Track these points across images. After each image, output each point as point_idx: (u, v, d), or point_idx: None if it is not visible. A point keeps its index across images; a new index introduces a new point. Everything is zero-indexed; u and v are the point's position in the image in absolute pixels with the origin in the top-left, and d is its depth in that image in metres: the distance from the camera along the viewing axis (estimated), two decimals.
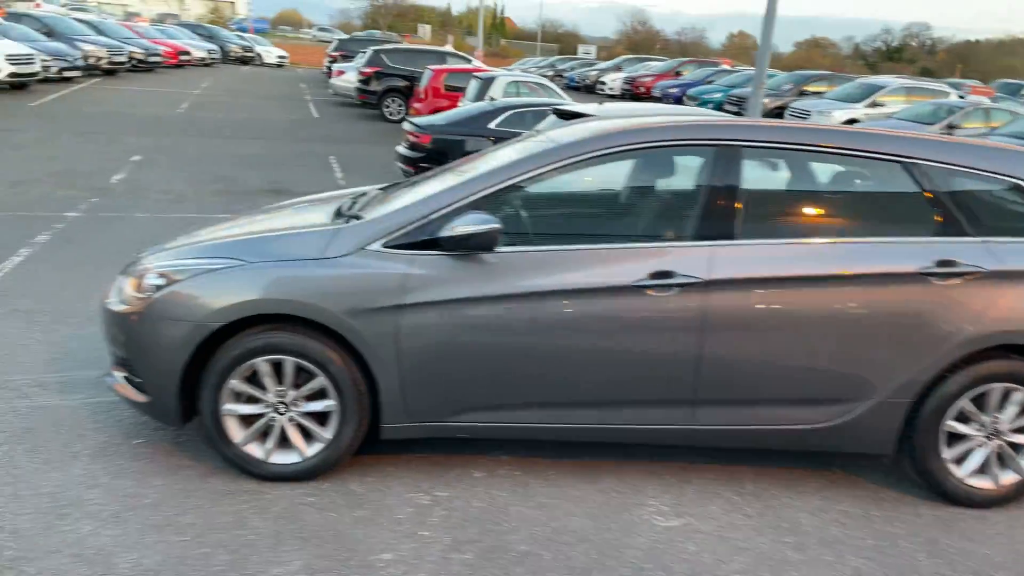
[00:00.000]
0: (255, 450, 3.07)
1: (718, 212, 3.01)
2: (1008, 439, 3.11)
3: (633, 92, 25.51)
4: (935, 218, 3.08)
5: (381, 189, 4.09)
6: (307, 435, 3.08)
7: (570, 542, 2.81)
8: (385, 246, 2.96)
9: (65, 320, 4.60)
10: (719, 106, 20.18)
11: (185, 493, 2.97)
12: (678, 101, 22.60)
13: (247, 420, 3.06)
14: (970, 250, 2.99)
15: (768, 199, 3.16)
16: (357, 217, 3.20)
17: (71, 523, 2.74)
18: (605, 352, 2.97)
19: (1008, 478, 3.14)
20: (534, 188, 3.09)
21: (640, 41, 73.08)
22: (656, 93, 23.95)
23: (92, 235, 6.61)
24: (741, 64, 32.92)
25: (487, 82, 12.89)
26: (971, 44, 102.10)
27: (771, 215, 3.12)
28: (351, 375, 2.97)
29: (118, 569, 2.51)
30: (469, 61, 17.79)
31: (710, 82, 22.82)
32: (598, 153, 3.06)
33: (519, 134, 9.43)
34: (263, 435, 3.07)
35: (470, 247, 2.86)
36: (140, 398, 3.10)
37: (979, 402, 3.07)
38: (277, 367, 2.99)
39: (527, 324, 2.93)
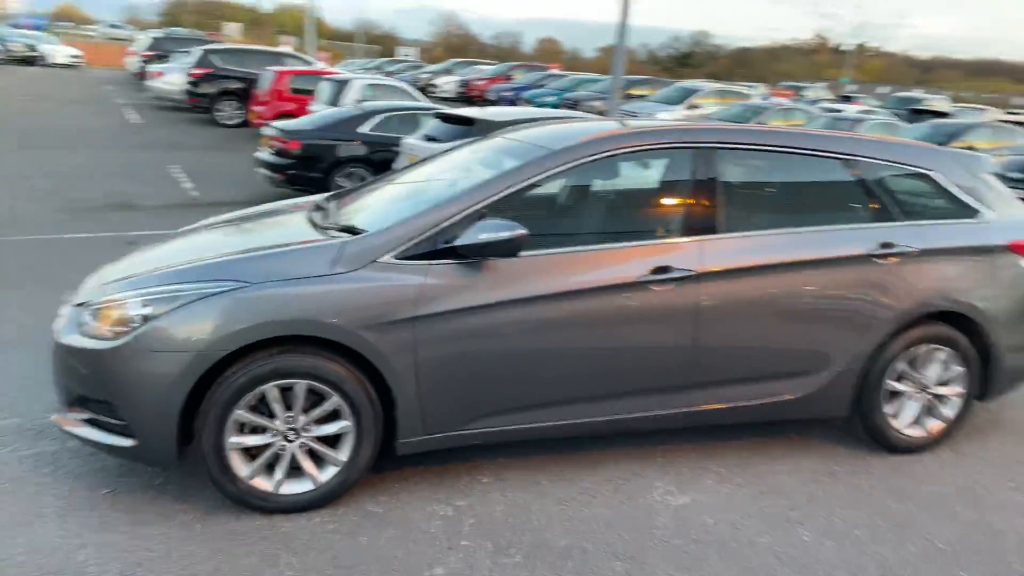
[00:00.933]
0: (263, 483, 2.88)
1: (703, 208, 3.26)
2: (934, 392, 3.65)
3: (467, 95, 25.88)
4: (872, 205, 3.54)
5: (332, 197, 3.95)
6: (318, 460, 2.95)
7: (601, 530, 2.93)
8: (397, 258, 2.90)
9: None
10: (554, 107, 21.05)
11: (192, 539, 2.73)
12: (512, 103, 23.26)
13: (251, 452, 2.87)
14: (903, 233, 3.48)
15: (741, 195, 3.46)
16: (351, 229, 3.10)
17: None
18: (615, 346, 3.12)
19: (934, 425, 3.68)
20: (537, 192, 3.17)
21: (458, 45, 74.10)
22: (491, 96, 24.47)
23: None
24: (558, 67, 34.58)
25: (342, 85, 12.56)
26: (746, 51, 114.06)
27: (745, 209, 3.41)
28: (366, 393, 2.88)
29: None
30: (311, 63, 17.16)
31: (542, 86, 23.72)
32: (594, 157, 3.19)
33: (391, 138, 9.37)
34: (269, 466, 2.89)
35: (496, 253, 2.88)
36: (123, 442, 2.79)
37: (912, 363, 3.58)
38: (284, 392, 2.83)
39: (543, 325, 3.01)
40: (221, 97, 16.52)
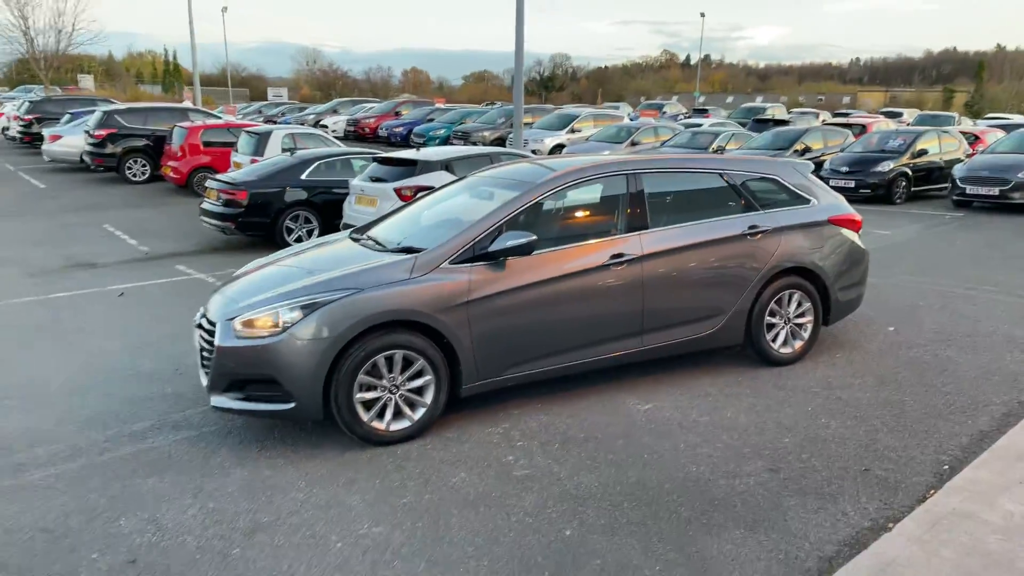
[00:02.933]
0: (378, 424, 4.24)
1: (637, 213, 4.92)
2: (796, 321, 5.47)
3: (357, 133, 27.02)
4: (741, 202, 5.33)
5: (361, 230, 5.34)
6: (410, 405, 4.33)
7: (603, 426, 4.48)
8: (450, 263, 4.36)
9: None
10: (445, 141, 22.65)
11: (346, 464, 4.05)
12: (405, 139, 24.69)
13: (367, 404, 4.22)
14: (762, 218, 5.29)
15: (659, 202, 5.13)
16: (409, 249, 4.52)
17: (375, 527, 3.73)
18: (594, 309, 4.70)
19: (798, 344, 5.50)
20: (534, 211, 4.70)
21: (327, 82, 74.62)
22: (382, 133, 25.76)
23: None
24: (424, 98, 36.41)
25: (264, 136, 13.61)
26: (603, 70, 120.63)
27: (662, 211, 5.09)
28: (440, 356, 4.31)
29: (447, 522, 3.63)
30: (218, 117, 17.90)
31: (431, 119, 25.29)
32: (565, 184, 4.80)
33: (329, 182, 10.64)
34: (380, 413, 4.25)
35: (519, 253, 4.39)
36: (285, 406, 4.09)
37: (778, 303, 5.38)
38: (388, 360, 4.21)
39: (547, 300, 4.54)
40: (128, 155, 17.02)
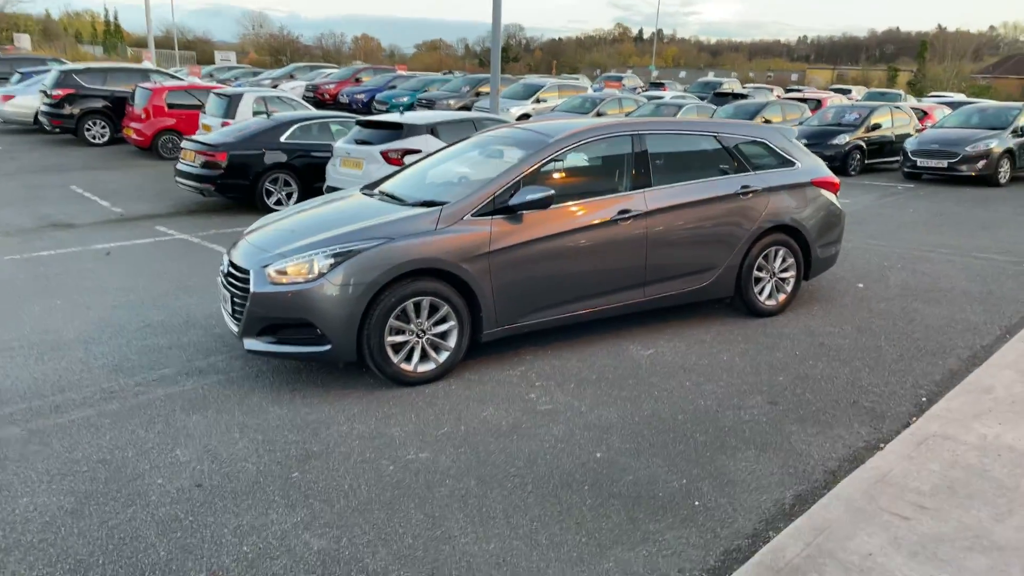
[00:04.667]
0: (406, 366, 4.50)
1: (641, 171, 5.24)
2: (780, 275, 5.90)
3: (317, 99, 26.65)
4: (734, 163, 5.70)
5: (371, 186, 5.53)
6: (435, 349, 4.60)
7: (611, 368, 4.83)
8: (472, 215, 4.62)
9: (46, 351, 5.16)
10: (409, 108, 22.58)
11: (381, 401, 4.31)
12: (367, 106, 24.50)
13: (395, 347, 4.47)
14: (752, 178, 5.67)
15: (661, 161, 5.45)
16: (432, 202, 4.75)
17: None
18: (601, 261, 5.02)
19: (782, 297, 5.93)
20: (548, 167, 4.97)
21: (277, 46, 72.69)
22: (343, 99, 25.48)
23: None
24: (380, 65, 36.07)
25: (235, 99, 13.46)
26: (557, 42, 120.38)
27: (663, 170, 5.42)
28: (463, 302, 4.58)
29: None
30: (181, 79, 17.52)
31: (393, 87, 25.12)
32: (584, 141, 5.09)
33: (308, 145, 10.70)
34: (408, 356, 4.51)
35: (537, 207, 4.67)
36: (321, 348, 4.31)
37: (765, 258, 5.79)
38: (416, 306, 4.46)
39: (561, 251, 4.84)
40: (86, 117, 16.58)
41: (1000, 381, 4.59)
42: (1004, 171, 13.73)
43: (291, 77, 30.40)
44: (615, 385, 4.58)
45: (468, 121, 9.83)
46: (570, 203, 4.95)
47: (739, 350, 5.19)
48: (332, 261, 4.29)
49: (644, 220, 5.14)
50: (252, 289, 4.36)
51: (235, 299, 4.56)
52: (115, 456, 3.69)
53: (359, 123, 10.06)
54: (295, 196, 10.69)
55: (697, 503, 3.29)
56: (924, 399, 4.40)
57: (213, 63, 50.90)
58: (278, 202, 10.60)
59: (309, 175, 10.80)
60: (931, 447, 3.75)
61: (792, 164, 5.96)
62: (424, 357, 4.57)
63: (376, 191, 5.47)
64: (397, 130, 9.25)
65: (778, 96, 23.57)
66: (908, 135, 15.72)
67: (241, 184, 10.41)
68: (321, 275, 4.26)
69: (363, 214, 4.85)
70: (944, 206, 11.44)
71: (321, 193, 10.63)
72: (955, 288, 6.79)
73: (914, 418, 4.13)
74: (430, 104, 21.92)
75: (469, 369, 4.78)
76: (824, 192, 6.06)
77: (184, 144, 11.04)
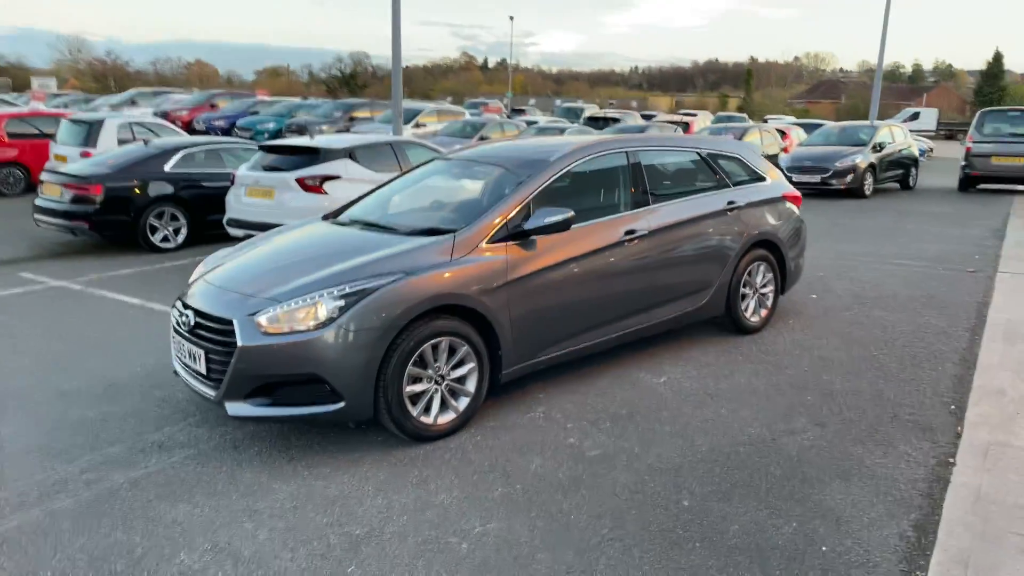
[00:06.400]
0: (426, 418, 3.90)
1: (640, 189, 4.96)
2: (761, 291, 5.82)
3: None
4: (716, 178, 5.56)
5: (333, 214, 4.88)
6: (454, 395, 4.03)
7: (635, 400, 4.46)
8: (487, 243, 4.11)
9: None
10: (275, 134, 21.31)
11: (470, 463, 3.68)
12: (227, 132, 22.85)
13: (413, 398, 3.86)
14: (735, 194, 5.56)
15: (656, 179, 5.19)
16: (436, 229, 4.19)
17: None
18: (611, 286, 4.66)
19: (764, 312, 5.86)
20: (554, 186, 4.55)
21: (101, 72, 67.13)
22: (198, 126, 23.63)
23: None
24: (241, 90, 34.16)
25: (96, 125, 11.94)
26: (406, 70, 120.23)
27: (657, 187, 5.16)
28: (481, 340, 4.05)
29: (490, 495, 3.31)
30: (19, 106, 15.38)
31: (256, 112, 23.64)
32: (585, 158, 4.72)
33: (197, 175, 9.62)
34: (427, 406, 3.91)
35: (557, 230, 4.23)
36: (332, 407, 3.62)
37: (749, 274, 5.69)
38: (434, 348, 3.88)
39: (575, 277, 4.43)
40: None
41: (1004, 383, 4.69)
42: (868, 184, 14.92)
43: (133, 103, 27.86)
44: (651, 419, 4.22)
45: (386, 145, 9.22)
46: (580, 225, 4.57)
47: (749, 371, 5.00)
48: (342, 303, 3.62)
49: (648, 240, 4.86)
50: (240, 343, 3.59)
51: (211, 355, 3.76)
52: (102, 570, 2.84)
53: (262, 148, 9.15)
54: (184, 232, 9.55)
55: (824, 548, 2.98)
56: (952, 407, 4.40)
57: (30, 89, 46.08)
58: (164, 239, 9.42)
59: (200, 207, 9.70)
60: (997, 457, 3.69)
61: (763, 179, 5.93)
62: (443, 406, 3.99)
63: (348, 220, 4.82)
64: (312, 155, 8.47)
65: (649, 121, 24.52)
66: (776, 154, 16.74)
67: (121, 220, 9.14)
68: (331, 320, 3.59)
69: (356, 246, 4.21)
70: (832, 217, 12.19)
71: (217, 227, 9.59)
72: (898, 294, 7.07)
73: (959, 427, 4.09)
74: (301, 130, 20.78)
75: (485, 415, 4.24)
76: (791, 205, 6.08)
77: (44, 177, 9.57)
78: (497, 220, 4.20)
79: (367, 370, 3.63)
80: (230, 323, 3.67)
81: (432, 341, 3.85)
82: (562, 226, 4.25)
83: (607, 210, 4.83)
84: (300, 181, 8.19)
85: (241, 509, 3.28)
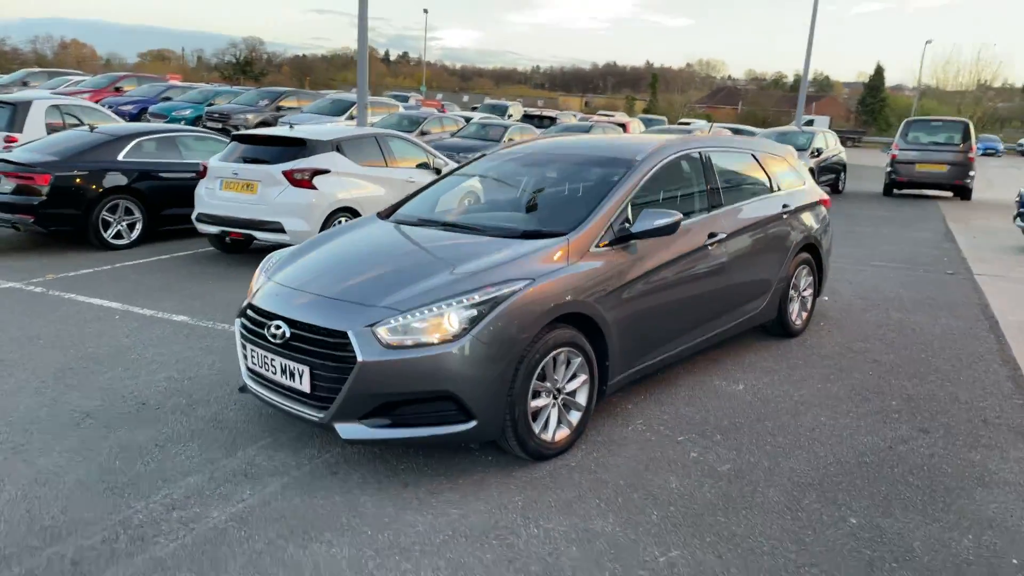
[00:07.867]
0: (546, 435, 3.61)
1: (714, 191, 4.83)
2: (804, 294, 5.84)
3: None
4: (769, 182, 5.52)
5: (390, 210, 4.50)
6: (567, 409, 3.75)
7: (728, 410, 4.32)
8: (596, 247, 3.86)
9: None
10: (194, 121, 20.00)
11: (531, 484, 3.38)
12: (136, 118, 21.23)
13: (534, 414, 3.56)
14: (788, 198, 5.53)
15: (727, 180, 5.05)
16: (539, 232, 3.90)
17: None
18: (699, 289, 4.51)
19: (805, 314, 5.88)
20: (643, 187, 4.32)
21: None
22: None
23: None
24: (147, 73, 32.02)
25: (21, 107, 10.70)
26: (302, 59, 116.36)
27: (728, 190, 5.04)
28: (592, 350, 3.80)
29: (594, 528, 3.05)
30: None
31: (168, 98, 22.12)
32: (667, 158, 4.52)
33: (155, 165, 8.82)
34: (545, 423, 3.61)
35: (665, 233, 4.01)
36: (463, 427, 3.27)
37: (796, 278, 5.69)
38: (554, 360, 3.60)
39: (669, 281, 4.24)
40: None
41: None
42: None
43: (24, 84, 25.44)
44: (758, 430, 4.09)
45: (371, 137, 8.71)
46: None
47: (819, 375, 4.98)
48: (474, 312, 3.27)
49: (726, 243, 4.74)
50: (360, 358, 3.18)
51: (316, 371, 3.31)
52: None
53: (236, 138, 8.42)
54: (139, 227, 8.70)
55: (1015, 560, 2.93)
56: None
57: None
58: (118, 235, 8.55)
59: (157, 201, 8.87)
60: None
61: (804, 182, 5.95)
62: (558, 421, 3.71)
63: (416, 219, 4.45)
64: (299, 147, 7.86)
65: (586, 119, 24.67)
66: None
67: (70, 214, 8.21)
68: (465, 331, 3.24)
69: (455, 249, 3.85)
70: None
71: (174, 222, 8.80)
72: (901, 296, 7.31)
73: None
74: (224, 118, 19.57)
75: (587, 430, 3.98)
76: (824, 209, 6.14)
77: None
78: (602, 223, 3.95)
79: (499, 386, 3.30)
80: (344, 335, 3.24)
81: (553, 352, 3.56)
82: (670, 229, 4.05)
83: (690, 213, 4.67)
84: (288, 175, 7.59)
85: (385, 547, 2.89)
